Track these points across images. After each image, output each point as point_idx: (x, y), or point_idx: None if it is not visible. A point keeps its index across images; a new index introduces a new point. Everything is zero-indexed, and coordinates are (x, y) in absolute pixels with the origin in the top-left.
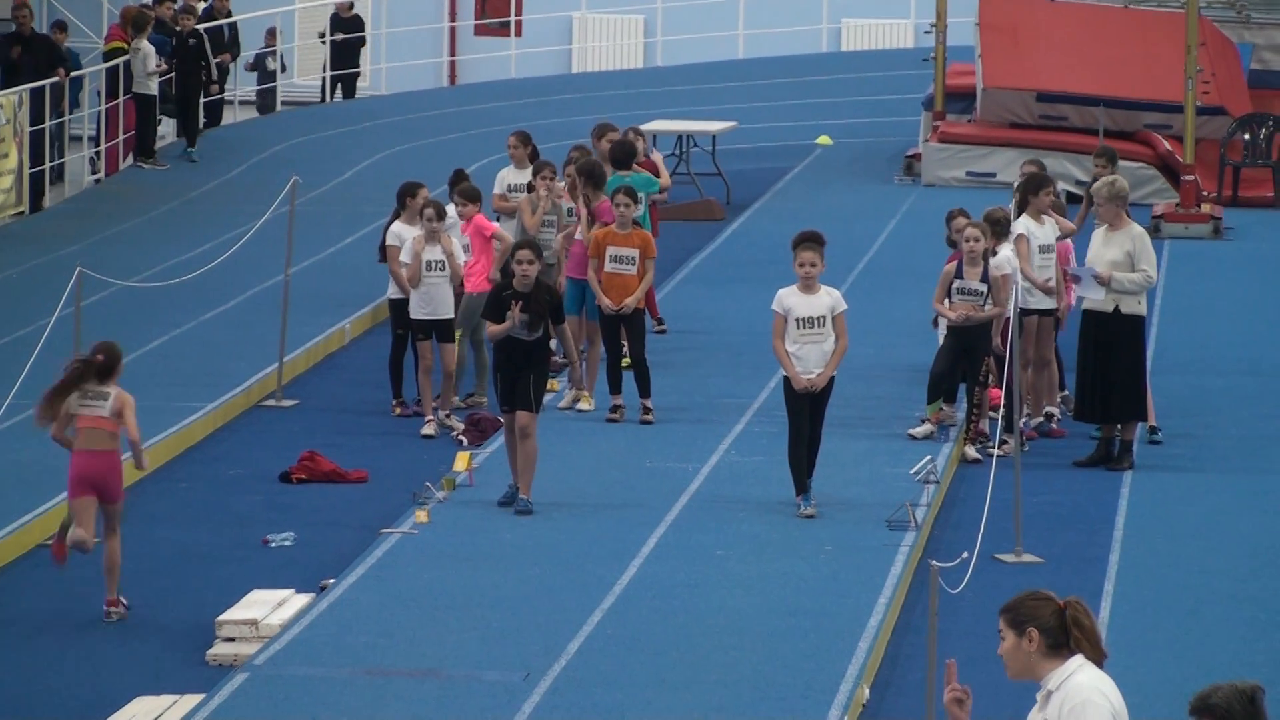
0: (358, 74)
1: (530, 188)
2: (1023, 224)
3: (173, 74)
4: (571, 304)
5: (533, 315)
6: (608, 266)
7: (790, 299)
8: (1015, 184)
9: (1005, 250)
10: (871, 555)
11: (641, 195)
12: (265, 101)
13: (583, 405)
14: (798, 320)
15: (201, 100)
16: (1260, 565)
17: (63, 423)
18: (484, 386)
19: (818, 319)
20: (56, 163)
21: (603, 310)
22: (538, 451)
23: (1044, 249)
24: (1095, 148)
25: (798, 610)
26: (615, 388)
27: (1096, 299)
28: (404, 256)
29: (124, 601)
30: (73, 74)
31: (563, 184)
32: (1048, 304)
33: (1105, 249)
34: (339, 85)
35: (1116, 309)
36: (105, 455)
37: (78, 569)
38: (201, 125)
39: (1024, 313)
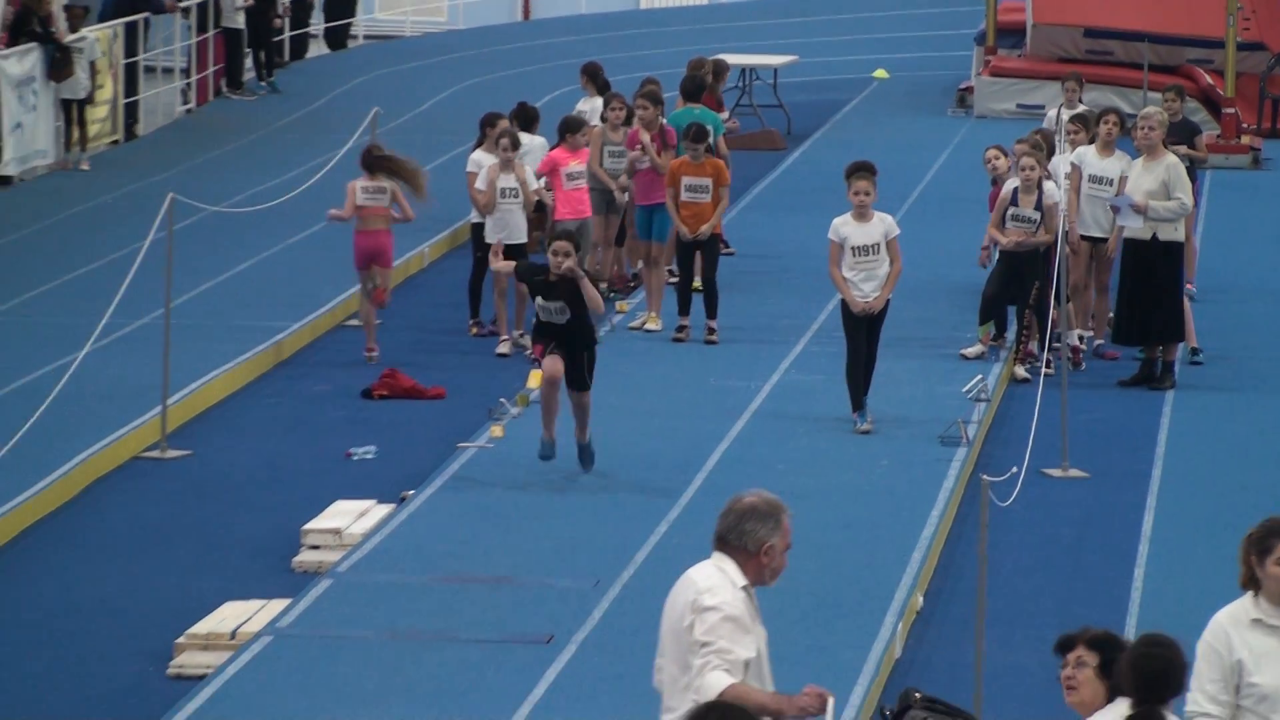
0: (350, 24)
1: (603, 118)
2: (1079, 153)
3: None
4: (640, 228)
5: (563, 302)
6: (683, 196)
7: (845, 228)
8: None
9: (1054, 183)
10: (925, 470)
11: (709, 128)
12: (337, 37)
13: (650, 325)
14: (853, 248)
15: (285, 35)
16: None
17: (350, 208)
18: None
19: (872, 246)
20: (149, 94)
21: (680, 238)
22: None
23: (1094, 179)
24: (1139, 81)
25: (854, 522)
26: (684, 309)
27: (1135, 227)
28: (479, 184)
29: (377, 349)
30: (161, 12)
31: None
32: (1098, 232)
33: (1142, 179)
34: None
35: (1154, 236)
36: (382, 233)
37: (172, 481)
38: (285, 59)
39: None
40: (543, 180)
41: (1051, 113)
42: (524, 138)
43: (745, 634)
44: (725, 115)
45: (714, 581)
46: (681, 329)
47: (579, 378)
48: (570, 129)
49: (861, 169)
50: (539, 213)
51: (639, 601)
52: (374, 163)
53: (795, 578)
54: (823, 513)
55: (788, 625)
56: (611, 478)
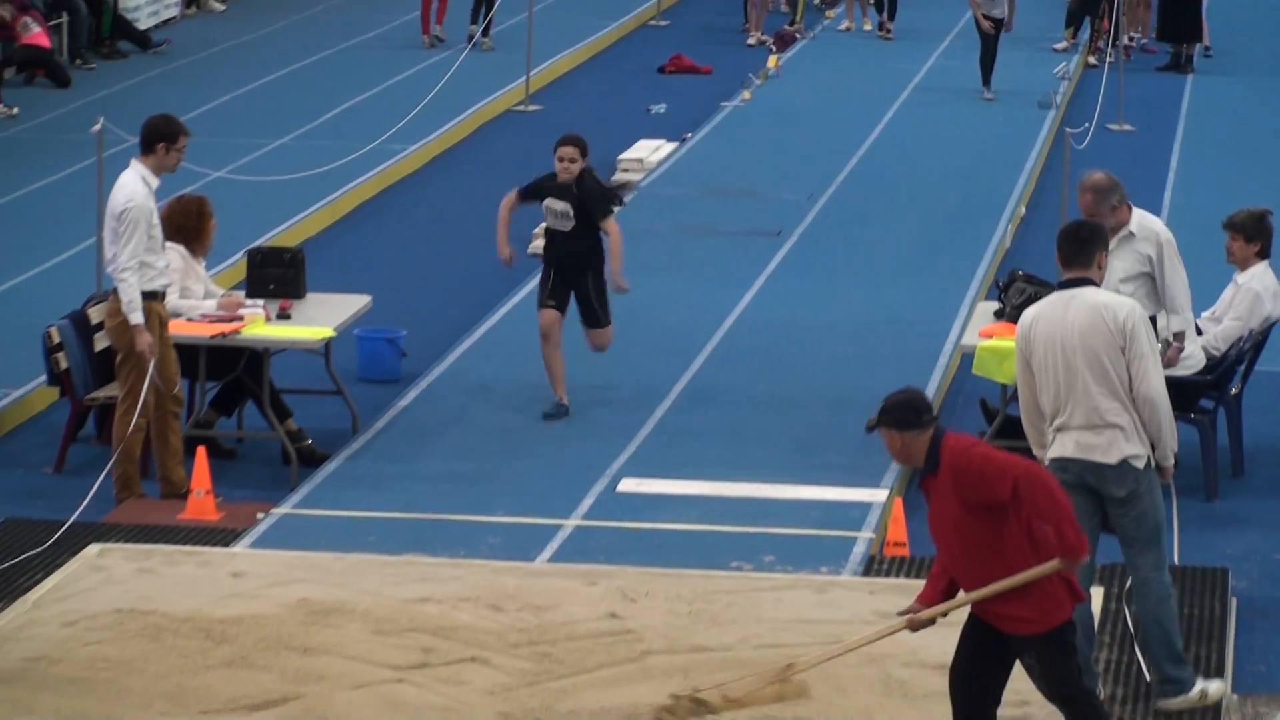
0: None
1: None
2: None
3: None
4: None
5: (568, 205)
6: None
7: None
8: None
9: None
10: (1027, 125)
11: None
12: None
13: (848, 26)
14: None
15: None
16: None
17: None
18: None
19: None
20: None
21: None
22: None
23: None
24: None
25: (982, 155)
26: (880, 11)
27: None
28: None
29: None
30: None
31: None
32: None
33: None
34: None
35: None
36: None
37: (532, 126)
38: None
39: None
40: None
41: None
42: None
43: None
44: None
45: None
46: (881, 26)
47: (590, 312)
48: None
49: None
50: None
51: (839, 209)
52: None
53: (940, 193)
54: (961, 151)
55: (936, 224)
56: (819, 125)
